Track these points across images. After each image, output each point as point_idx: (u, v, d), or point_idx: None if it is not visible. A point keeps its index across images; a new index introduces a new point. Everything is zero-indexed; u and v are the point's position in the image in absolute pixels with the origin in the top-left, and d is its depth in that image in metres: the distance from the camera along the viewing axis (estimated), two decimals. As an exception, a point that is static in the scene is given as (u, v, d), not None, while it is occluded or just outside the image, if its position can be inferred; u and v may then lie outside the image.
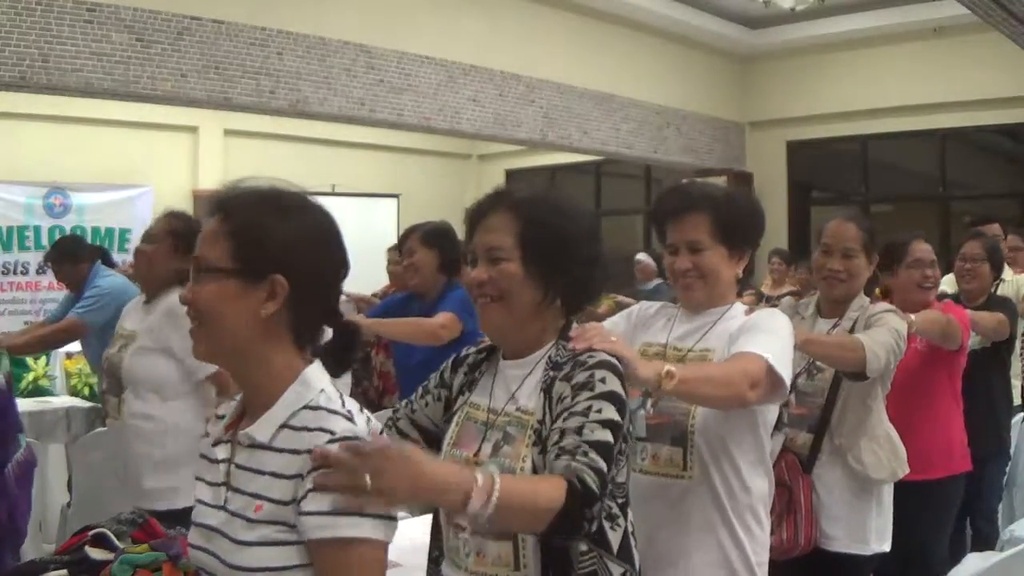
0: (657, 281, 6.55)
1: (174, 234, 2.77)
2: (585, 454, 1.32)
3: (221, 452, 1.29)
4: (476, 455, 1.51)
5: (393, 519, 1.18)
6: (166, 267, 2.76)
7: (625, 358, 1.50)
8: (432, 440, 1.65)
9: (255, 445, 1.24)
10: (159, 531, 1.82)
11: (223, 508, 1.25)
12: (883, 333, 2.38)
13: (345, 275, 1.33)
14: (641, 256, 7.32)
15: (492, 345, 1.64)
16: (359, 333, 1.36)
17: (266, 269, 1.22)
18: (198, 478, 1.33)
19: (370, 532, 1.15)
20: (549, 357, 1.51)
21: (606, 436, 1.36)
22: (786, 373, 1.81)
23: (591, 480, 1.29)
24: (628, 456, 1.53)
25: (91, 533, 1.76)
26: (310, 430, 1.19)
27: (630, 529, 1.49)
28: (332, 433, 1.18)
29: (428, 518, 1.66)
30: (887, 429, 2.56)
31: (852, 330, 2.52)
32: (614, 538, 1.45)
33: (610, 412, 1.38)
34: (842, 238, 2.56)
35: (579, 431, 1.35)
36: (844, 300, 2.58)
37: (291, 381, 1.25)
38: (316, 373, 1.28)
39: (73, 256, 4.39)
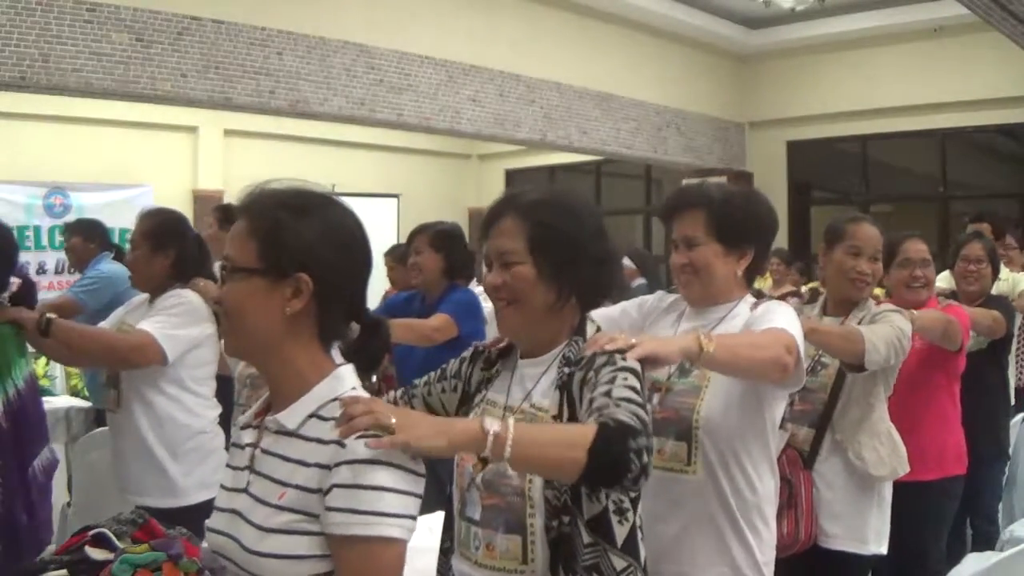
0: (639, 281, 6.57)
1: (148, 235, 2.75)
2: (617, 404, 1.33)
3: (247, 437, 1.33)
4: None
5: (413, 518, 1.20)
6: (154, 268, 2.74)
7: (647, 350, 1.49)
8: None
9: (282, 432, 1.27)
10: (159, 531, 1.82)
11: (245, 491, 1.27)
12: (885, 329, 2.40)
13: (369, 273, 1.35)
14: (624, 260, 7.34)
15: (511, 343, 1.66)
16: (387, 330, 1.38)
17: (290, 268, 1.25)
18: (228, 465, 1.36)
19: (391, 531, 1.17)
20: (563, 355, 1.52)
21: (634, 395, 1.37)
22: (803, 357, 1.82)
23: (626, 417, 1.29)
24: None
25: (91, 533, 1.76)
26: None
27: (638, 523, 1.49)
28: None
29: (429, 519, 1.66)
30: (888, 427, 2.57)
31: None
32: (620, 532, 1.45)
33: (633, 381, 1.40)
34: (872, 241, 2.58)
35: (608, 394, 1.37)
36: (861, 301, 2.60)
37: (317, 377, 1.28)
38: (349, 372, 1.32)
39: (83, 231, 4.75)
